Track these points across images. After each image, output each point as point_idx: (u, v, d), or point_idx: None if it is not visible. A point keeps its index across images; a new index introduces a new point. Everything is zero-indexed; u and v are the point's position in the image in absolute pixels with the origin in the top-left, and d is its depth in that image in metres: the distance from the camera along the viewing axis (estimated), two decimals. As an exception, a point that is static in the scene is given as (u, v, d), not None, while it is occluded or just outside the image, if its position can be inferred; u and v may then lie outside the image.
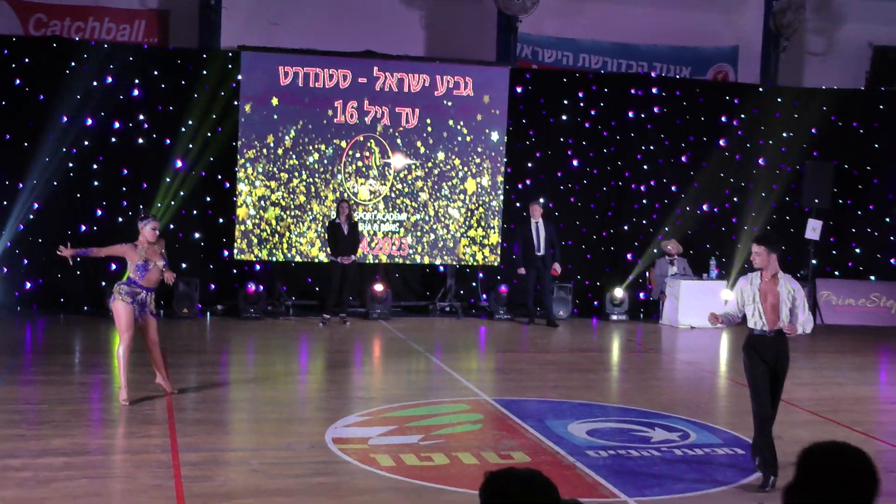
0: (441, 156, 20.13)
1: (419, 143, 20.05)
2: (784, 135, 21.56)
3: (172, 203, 19.12)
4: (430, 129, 20.07)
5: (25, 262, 18.90)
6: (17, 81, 18.71)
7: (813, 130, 21.56)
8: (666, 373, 16.20)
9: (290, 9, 21.04)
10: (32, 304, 18.98)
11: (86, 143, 19.00)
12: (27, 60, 18.76)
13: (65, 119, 18.85)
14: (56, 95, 18.77)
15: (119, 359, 11.88)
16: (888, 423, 12.67)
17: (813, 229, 20.76)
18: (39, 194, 18.81)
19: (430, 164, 20.12)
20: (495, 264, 20.51)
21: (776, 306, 9.43)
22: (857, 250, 22.09)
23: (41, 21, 20.33)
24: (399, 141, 19.98)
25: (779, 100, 21.70)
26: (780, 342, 9.58)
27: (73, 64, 18.89)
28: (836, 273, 21.87)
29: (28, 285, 18.99)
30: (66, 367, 14.80)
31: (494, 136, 20.32)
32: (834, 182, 21.10)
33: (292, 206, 19.60)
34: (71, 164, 18.96)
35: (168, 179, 19.22)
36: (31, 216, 18.82)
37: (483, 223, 20.35)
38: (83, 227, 18.99)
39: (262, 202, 19.48)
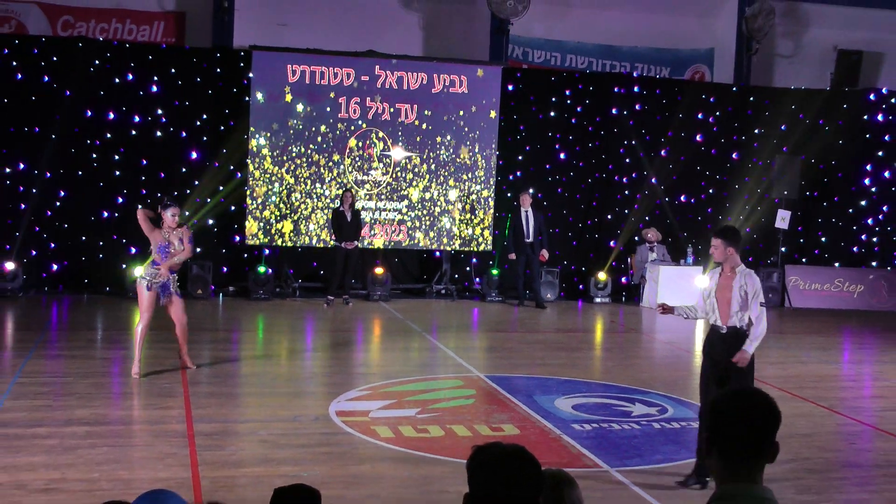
0: (437, 149, 20.10)
1: (417, 137, 20.01)
2: (756, 131, 21.56)
3: (188, 191, 19.08)
4: (427, 123, 20.03)
5: (52, 245, 18.87)
6: (46, 78, 18.65)
7: (782, 127, 21.58)
8: (645, 352, 16.20)
9: (297, 11, 20.98)
10: (58, 285, 18.96)
11: (108, 135, 18.96)
12: (55, 59, 18.70)
13: (89, 113, 18.82)
14: (81, 91, 18.73)
15: (136, 336, 11.92)
16: (849, 399, 12.69)
17: (782, 219, 20.78)
18: (65, 182, 18.79)
19: (427, 157, 20.09)
20: (488, 250, 20.50)
21: (730, 301, 8.77)
22: (823, 239, 22.13)
23: (68, 22, 20.27)
24: (399, 134, 19.93)
25: (751, 99, 21.71)
26: (733, 340, 8.74)
27: (96, 62, 18.85)
28: (804, 260, 21.91)
29: (54, 267, 18.96)
30: (89, 343, 14.80)
31: (487, 130, 20.29)
32: (801, 175, 21.13)
33: (299, 195, 19.56)
34: (94, 155, 18.92)
35: (184, 169, 19.21)
36: (58, 203, 18.81)
37: (476, 212, 20.34)
38: (105, 214, 18.97)
39: (271, 191, 19.44)
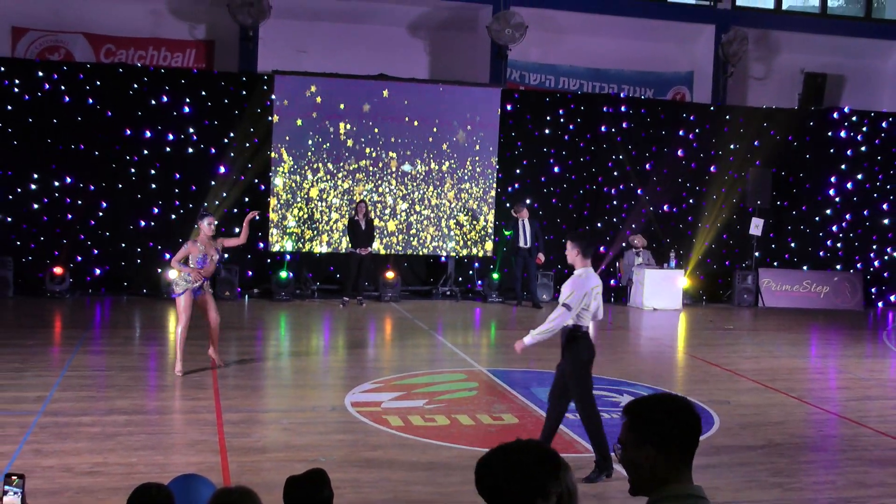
0: (443, 163, 20.10)
1: (425, 153, 20.02)
2: (731, 146, 21.55)
3: (216, 202, 19.09)
4: (433, 140, 20.04)
5: (95, 252, 18.89)
6: (90, 100, 18.67)
7: (755, 143, 21.58)
8: (633, 347, 16.19)
9: (314, 39, 21.01)
10: (101, 287, 18.96)
11: (145, 151, 18.98)
12: (98, 83, 18.72)
13: (128, 132, 18.83)
14: (121, 112, 18.77)
15: (176, 337, 11.87)
16: (817, 390, 12.66)
17: (756, 226, 20.79)
18: (106, 195, 18.81)
19: (433, 170, 20.10)
20: (489, 255, 20.50)
21: None
22: (793, 244, 22.10)
23: (110, 50, 20.31)
24: (408, 151, 19.94)
25: (727, 117, 21.70)
26: (564, 339, 8.38)
27: (135, 86, 18.88)
28: (775, 263, 21.88)
29: (97, 271, 18.97)
30: (128, 340, 14.82)
31: (488, 146, 20.29)
32: (773, 186, 21.15)
33: (317, 205, 19.58)
34: (132, 170, 18.94)
35: (213, 183, 19.21)
36: (100, 213, 18.83)
37: (478, 220, 20.34)
38: (143, 223, 18.99)
39: (291, 202, 19.46)
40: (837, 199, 22.09)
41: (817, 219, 22.11)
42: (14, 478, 4.32)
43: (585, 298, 8.29)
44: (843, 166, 22.07)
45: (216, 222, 12.13)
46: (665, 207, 21.40)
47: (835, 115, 22.17)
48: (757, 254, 21.31)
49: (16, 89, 18.42)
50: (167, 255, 17.77)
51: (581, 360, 8.35)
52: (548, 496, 3.02)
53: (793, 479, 8.52)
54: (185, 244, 11.93)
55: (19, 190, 18.49)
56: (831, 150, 22.07)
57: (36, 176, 18.55)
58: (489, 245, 20.46)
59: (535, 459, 3.06)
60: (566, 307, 8.26)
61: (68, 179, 18.67)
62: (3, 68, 18.42)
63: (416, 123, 19.94)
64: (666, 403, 3.07)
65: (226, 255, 18.11)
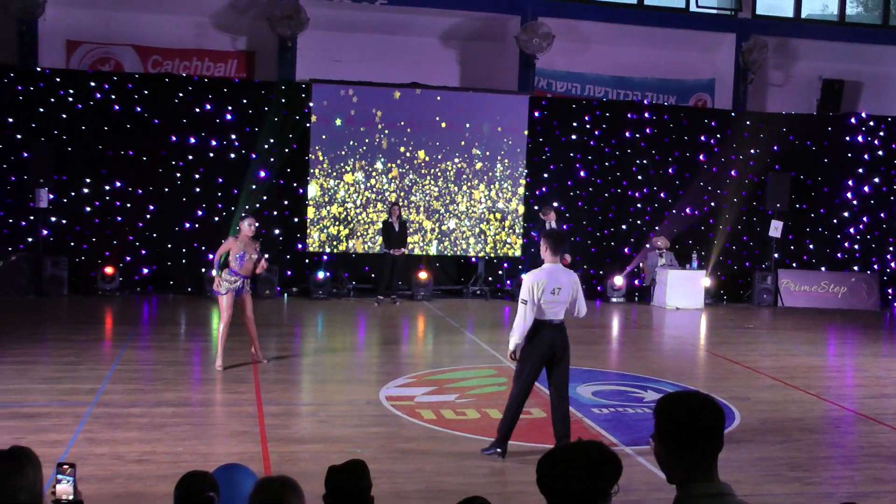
0: (474, 167, 20.11)
1: (456, 158, 20.04)
2: (751, 151, 21.40)
3: (257, 206, 19.19)
4: (463, 145, 20.05)
5: (143, 252, 19.04)
6: (138, 109, 18.82)
7: (774, 148, 21.41)
8: (656, 345, 16.14)
9: (350, 49, 21.06)
10: (148, 286, 19.12)
11: (189, 157, 19.11)
12: (146, 92, 18.88)
13: (173, 138, 18.98)
14: (167, 120, 18.92)
15: (218, 333, 11.96)
16: (834, 387, 12.58)
17: (775, 228, 20.64)
18: (153, 198, 18.96)
19: (464, 175, 20.11)
20: (517, 255, 20.48)
21: None
22: (811, 246, 21.92)
23: (157, 61, 20.48)
24: (439, 155, 19.97)
25: (747, 122, 21.55)
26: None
27: (180, 95, 19.03)
28: (794, 265, 21.69)
29: (145, 271, 19.12)
30: (174, 336, 14.95)
31: (516, 151, 20.29)
32: (792, 190, 20.99)
33: (353, 207, 19.64)
34: (178, 175, 19.08)
35: (254, 186, 19.30)
36: (147, 216, 18.98)
37: (507, 222, 20.34)
38: (187, 225, 19.12)
39: (329, 205, 19.53)
40: (854, 202, 21.89)
41: (835, 221, 21.92)
42: (66, 466, 4.36)
43: (536, 291, 8.29)
44: (860, 170, 21.86)
45: (256, 224, 12.21)
46: (687, 210, 21.29)
47: (852, 120, 21.97)
48: (776, 255, 21.17)
49: (70, 99, 18.61)
50: (210, 256, 17.83)
51: (532, 348, 8.42)
52: (607, 497, 3.02)
53: (811, 473, 8.48)
54: (226, 239, 12.04)
55: (73, 194, 18.68)
56: (848, 155, 21.87)
57: (88, 181, 18.73)
58: (518, 246, 20.45)
59: (599, 461, 3.04)
60: (522, 302, 8.35)
61: (118, 184, 18.84)
62: (58, 79, 18.61)
63: (447, 130, 19.96)
64: (685, 404, 3.03)
65: (266, 256, 18.23)
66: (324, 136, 19.41)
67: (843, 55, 22.56)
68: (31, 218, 18.39)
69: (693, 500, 2.95)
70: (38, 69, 18.77)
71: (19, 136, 18.38)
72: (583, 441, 3.14)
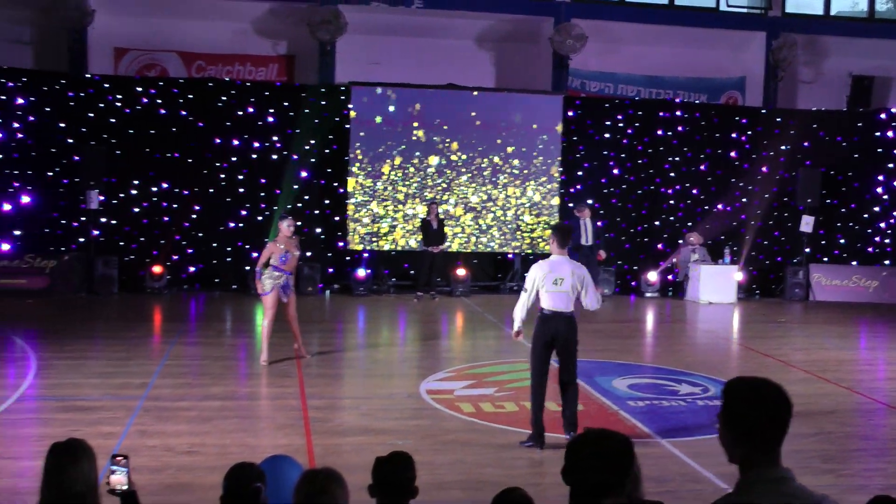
0: (510, 165, 20.08)
1: (493, 156, 20.02)
2: (782, 147, 21.19)
3: (299, 205, 19.30)
4: (500, 143, 20.03)
5: (189, 251, 19.19)
6: (183, 112, 18.99)
7: (805, 144, 21.20)
8: (689, 339, 16.03)
9: (387, 52, 21.11)
10: (195, 284, 19.26)
11: (233, 158, 19.23)
12: (190, 96, 19.03)
13: (217, 141, 19.11)
14: (211, 122, 19.06)
15: (263, 329, 12.02)
16: (865, 381, 12.41)
17: (806, 224, 20.43)
18: (199, 199, 19.10)
19: (501, 173, 20.09)
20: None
21: None
22: (842, 240, 21.66)
23: (201, 66, 20.64)
24: (476, 154, 19.96)
25: (777, 119, 21.35)
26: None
27: (223, 98, 19.16)
28: (825, 259, 21.45)
29: (191, 269, 19.27)
30: (220, 332, 15.05)
31: (552, 150, 20.23)
32: (822, 185, 20.74)
33: (392, 206, 19.68)
34: (222, 176, 19.21)
35: (296, 186, 19.40)
36: (193, 216, 19.13)
37: (542, 219, 20.29)
38: (231, 224, 19.25)
39: (369, 203, 19.59)
40: (885, 197, 21.60)
41: (865, 216, 21.65)
42: (120, 458, 4.42)
43: (538, 281, 8.54)
44: (890, 165, 21.56)
45: (296, 223, 12.25)
46: (719, 206, 21.13)
47: (882, 116, 21.68)
48: (807, 250, 20.94)
49: (118, 104, 18.80)
50: (254, 254, 18.00)
51: (534, 336, 8.63)
52: (625, 482, 3.07)
53: (844, 465, 8.39)
54: (266, 245, 12.07)
55: (122, 195, 18.87)
56: (879, 150, 21.58)
57: (136, 182, 18.91)
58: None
59: (618, 448, 3.10)
60: (524, 290, 8.73)
61: (165, 185, 19.01)
62: (106, 85, 18.81)
63: (483, 129, 19.94)
64: (755, 390, 3.02)
65: (308, 253, 18.32)
66: (362, 133, 19.45)
67: (872, 52, 22.28)
68: (83, 219, 18.59)
69: (754, 485, 2.95)
70: (88, 76, 18.98)
71: (70, 141, 18.60)
72: (599, 431, 3.20)
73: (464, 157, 19.90)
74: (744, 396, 3.01)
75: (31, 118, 18.52)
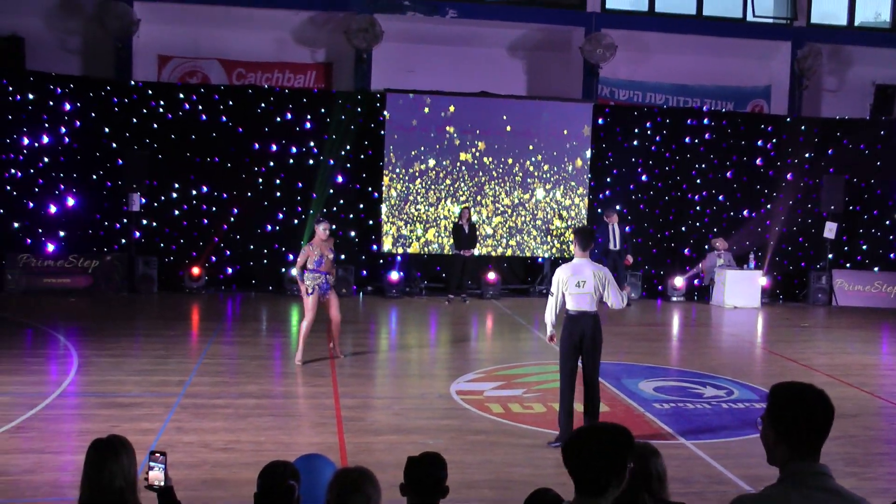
0: (541, 171, 20.02)
1: (525, 161, 19.96)
2: (806, 155, 20.99)
3: (334, 209, 19.33)
4: (531, 150, 19.97)
5: (227, 253, 19.26)
6: (223, 118, 19.07)
7: (829, 151, 21.00)
8: (714, 342, 15.88)
9: (422, 60, 21.11)
10: (232, 285, 19.33)
11: (271, 163, 19.29)
12: (231, 103, 19.11)
13: (256, 146, 19.17)
14: (250, 128, 19.12)
15: (301, 331, 12.00)
16: (888, 385, 12.24)
17: (829, 230, 20.22)
18: (237, 202, 19.17)
19: (532, 179, 20.03)
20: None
21: None
22: (864, 247, 21.39)
23: (241, 74, 20.73)
24: (508, 160, 19.91)
25: (802, 127, 21.14)
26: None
27: (262, 104, 19.22)
28: (848, 265, 21.20)
29: (229, 270, 19.35)
30: (256, 332, 15.08)
31: (582, 156, 20.14)
32: (846, 192, 20.51)
33: (425, 210, 19.67)
34: (260, 180, 19.27)
35: (331, 191, 19.43)
36: (232, 218, 19.20)
37: (572, 224, 20.21)
38: (269, 227, 19.31)
39: (402, 207, 19.58)
40: (908, 204, 21.36)
41: (888, 222, 21.37)
42: (158, 454, 4.45)
43: (562, 284, 8.64)
44: (913, 173, 21.33)
45: (331, 227, 12.25)
46: (745, 212, 20.97)
47: (906, 124, 21.45)
48: (830, 256, 20.71)
49: (161, 110, 18.91)
50: (290, 256, 18.15)
51: (562, 338, 8.72)
52: (623, 475, 3.09)
53: (867, 468, 8.27)
54: (303, 248, 12.08)
55: (163, 198, 18.98)
56: (902, 158, 21.34)
57: (177, 185, 19.02)
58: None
59: (615, 441, 3.13)
60: (550, 294, 8.85)
61: (204, 189, 19.11)
62: (150, 92, 18.93)
63: (515, 135, 19.89)
64: (798, 396, 3.10)
65: (342, 256, 18.35)
66: (397, 142, 19.45)
67: (895, 61, 22.03)
68: (125, 221, 18.72)
69: (797, 477, 3.04)
70: (132, 82, 19.11)
71: (115, 145, 18.74)
72: (600, 424, 3.26)
73: (494, 161, 19.85)
74: (791, 399, 3.09)
75: (78, 123, 18.68)
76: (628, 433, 3.17)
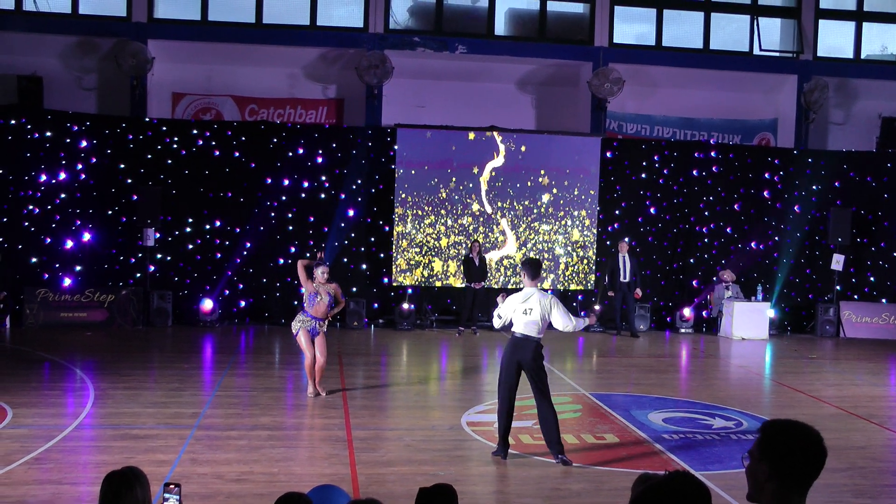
0: (549, 205, 20.12)
1: (533, 195, 20.06)
2: (813, 187, 21.04)
3: (346, 242, 19.44)
4: (540, 183, 20.08)
5: (241, 286, 19.36)
6: (236, 153, 19.25)
7: (836, 184, 21.04)
8: (723, 374, 15.85)
9: (432, 95, 21.33)
10: (245, 318, 19.43)
11: (283, 198, 19.44)
12: (243, 138, 19.31)
13: (268, 180, 19.33)
14: (262, 163, 19.30)
15: (306, 368, 12.04)
16: (900, 416, 12.23)
17: (837, 262, 20.22)
18: (250, 236, 19.30)
19: (539, 212, 20.12)
20: (590, 288, 20.38)
21: None
22: (872, 278, 21.37)
23: (253, 110, 20.97)
24: (516, 193, 20.02)
25: (809, 160, 21.21)
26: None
27: (274, 140, 19.40)
28: (856, 297, 21.17)
29: (242, 304, 19.45)
30: (269, 364, 15.09)
31: (590, 189, 20.25)
32: (853, 224, 20.53)
33: (434, 244, 19.77)
34: (272, 214, 19.40)
35: (342, 224, 19.55)
36: (245, 252, 19.32)
37: (581, 257, 20.27)
38: (281, 261, 19.40)
39: (413, 241, 19.69)
40: (915, 236, 21.35)
41: (895, 254, 21.38)
42: (172, 486, 4.49)
43: (511, 311, 9.29)
44: (920, 205, 21.34)
45: (327, 272, 12.14)
46: (752, 244, 20.99)
47: (913, 157, 21.49)
48: (838, 287, 20.69)
49: (174, 146, 19.12)
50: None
51: (503, 359, 9.36)
52: None
53: (876, 500, 8.25)
54: (308, 277, 12.03)
55: (177, 233, 19.14)
56: (909, 190, 21.38)
57: (190, 220, 19.18)
58: (591, 279, 20.36)
59: (692, 497, 2.86)
60: (497, 315, 9.48)
61: (217, 223, 19.26)
62: (164, 128, 19.15)
63: (523, 169, 20.01)
64: (797, 434, 3.06)
65: (353, 289, 18.40)
66: (408, 177, 19.60)
67: (901, 94, 22.16)
68: (140, 255, 18.88)
69: None
70: (147, 119, 19.34)
71: (129, 181, 18.94)
72: (672, 475, 2.93)
73: (507, 191, 19.95)
74: (792, 436, 3.05)
75: (93, 160, 18.90)
76: (708, 492, 2.88)
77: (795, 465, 3.01)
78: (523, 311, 9.17)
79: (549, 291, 20.37)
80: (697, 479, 2.95)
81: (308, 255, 12.03)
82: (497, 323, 9.48)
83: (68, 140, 18.79)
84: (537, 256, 20.03)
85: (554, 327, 9.31)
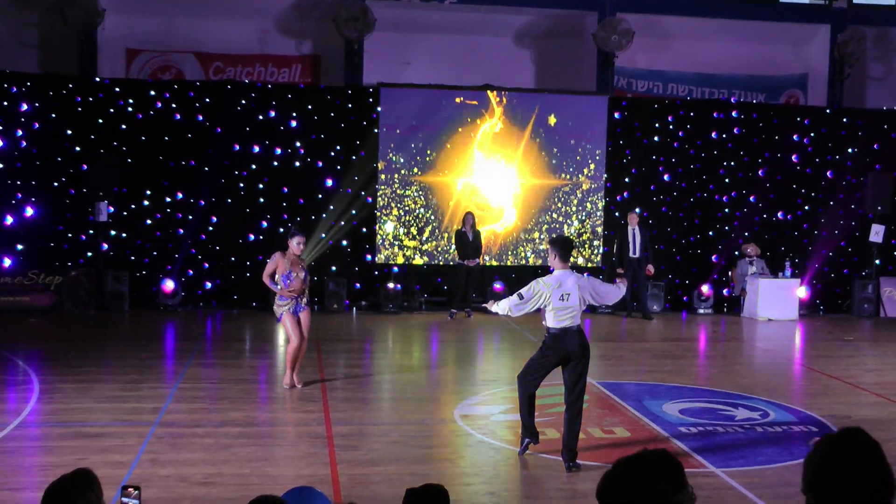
0: (550, 172, 20.08)
1: (532, 161, 20.02)
2: (849, 150, 21.03)
3: (324, 216, 19.39)
4: (539, 149, 20.03)
5: (206, 265, 19.31)
6: (200, 117, 19.14)
7: (875, 146, 21.04)
8: (746, 359, 15.88)
9: (419, 51, 21.22)
10: (212, 301, 19.40)
11: (253, 166, 19.36)
12: (207, 100, 19.19)
13: (236, 147, 19.24)
14: (229, 128, 19.18)
15: (288, 355, 11.98)
16: (946, 404, 12.25)
17: (876, 233, 20.25)
18: (216, 210, 19.23)
19: (540, 180, 20.08)
20: (597, 266, 20.37)
21: None
22: (916, 251, 21.44)
23: (219, 68, 20.85)
24: (514, 161, 19.97)
25: (844, 120, 21.19)
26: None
27: (243, 102, 19.29)
28: (897, 271, 21.27)
29: (208, 285, 19.40)
30: (239, 353, 15.07)
31: (596, 155, 20.21)
32: (894, 191, 20.52)
33: (423, 216, 19.72)
34: (241, 185, 19.32)
35: (320, 196, 19.49)
36: (210, 228, 19.26)
37: (586, 230, 20.25)
38: (251, 237, 19.35)
39: (398, 213, 19.65)
40: (963, 203, 21.38)
41: (942, 224, 21.43)
42: (131, 489, 4.44)
43: (544, 299, 8.78)
44: (968, 168, 21.35)
45: (304, 242, 12.10)
46: (779, 215, 21.00)
47: (959, 115, 21.48)
48: (878, 262, 20.73)
49: (129, 109, 18.99)
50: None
51: (542, 353, 8.95)
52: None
53: (920, 496, 8.25)
54: (273, 256, 11.97)
55: (133, 206, 19.04)
56: (956, 152, 21.38)
57: (149, 192, 19.09)
58: (597, 256, 20.35)
59: (660, 473, 3.04)
60: (518, 296, 8.95)
61: (179, 195, 19.17)
62: (117, 89, 19.01)
63: (521, 133, 19.94)
64: (854, 463, 3.09)
65: (332, 269, 18.37)
66: (392, 142, 19.54)
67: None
68: (91, 232, 18.81)
69: None
70: (97, 79, 19.19)
71: (78, 149, 18.82)
72: (645, 453, 3.10)
73: (501, 157, 19.91)
74: (846, 473, 3.07)
75: (36, 125, 18.74)
76: (681, 468, 3.07)
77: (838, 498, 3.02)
78: (559, 297, 8.71)
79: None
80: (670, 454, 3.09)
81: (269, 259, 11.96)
82: (516, 309, 8.94)
83: (6, 103, 18.61)
84: (535, 229, 19.99)
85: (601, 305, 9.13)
